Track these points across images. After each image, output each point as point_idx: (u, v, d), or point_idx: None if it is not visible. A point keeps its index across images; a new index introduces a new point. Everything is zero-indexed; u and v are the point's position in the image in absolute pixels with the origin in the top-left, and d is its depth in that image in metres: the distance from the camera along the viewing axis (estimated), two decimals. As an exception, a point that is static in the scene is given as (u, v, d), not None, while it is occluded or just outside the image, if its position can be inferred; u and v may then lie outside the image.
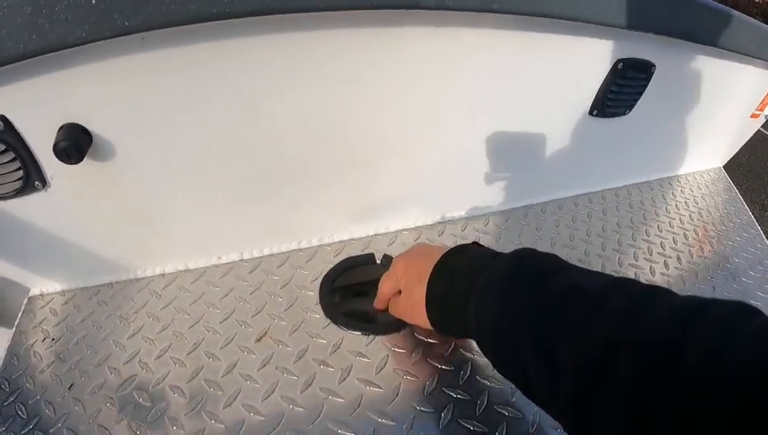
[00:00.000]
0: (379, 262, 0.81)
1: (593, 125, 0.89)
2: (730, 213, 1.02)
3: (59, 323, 0.73)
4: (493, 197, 0.94)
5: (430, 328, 0.61)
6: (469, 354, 0.66)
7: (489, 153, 0.87)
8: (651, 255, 0.87)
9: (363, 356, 0.66)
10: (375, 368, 0.65)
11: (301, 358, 0.66)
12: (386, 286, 0.67)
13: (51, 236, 0.72)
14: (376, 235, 0.88)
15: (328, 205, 0.83)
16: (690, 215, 0.98)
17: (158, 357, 0.67)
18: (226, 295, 0.76)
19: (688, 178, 1.10)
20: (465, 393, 0.62)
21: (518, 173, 0.93)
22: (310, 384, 0.63)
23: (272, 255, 0.83)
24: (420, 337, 0.68)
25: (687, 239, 0.92)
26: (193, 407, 0.61)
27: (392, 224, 0.89)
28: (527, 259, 0.52)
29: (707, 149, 1.12)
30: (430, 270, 0.59)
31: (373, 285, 0.70)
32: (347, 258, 0.82)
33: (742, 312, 0.36)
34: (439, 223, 0.91)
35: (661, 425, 0.34)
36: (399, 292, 0.65)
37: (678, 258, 0.87)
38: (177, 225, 0.77)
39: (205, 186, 0.73)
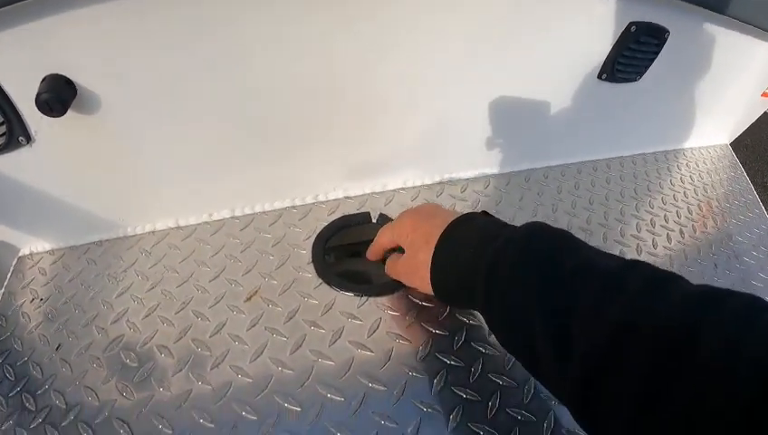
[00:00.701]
0: (375, 221, 0.78)
1: (601, 89, 0.83)
2: (735, 191, 0.97)
3: (47, 282, 0.71)
4: (494, 159, 0.89)
5: (428, 292, 0.58)
6: (464, 319, 0.64)
7: (491, 113, 0.81)
8: (654, 227, 0.83)
9: (355, 318, 0.64)
10: (367, 330, 0.62)
11: (291, 319, 0.63)
12: (385, 238, 0.63)
13: (39, 193, 0.69)
14: (372, 193, 0.84)
15: (323, 162, 0.79)
16: (695, 189, 0.94)
17: (146, 316, 0.65)
18: (217, 253, 0.73)
19: (694, 152, 1.05)
20: (458, 360, 0.59)
21: (521, 136, 0.87)
22: (300, 346, 0.60)
23: (264, 212, 0.80)
24: (415, 300, 0.65)
25: (691, 214, 0.88)
26: (180, 368, 0.59)
27: (389, 183, 0.85)
28: (538, 232, 0.49)
29: (715, 124, 1.06)
30: (439, 234, 0.55)
31: (368, 245, 0.68)
32: (342, 217, 0.78)
33: (757, 306, 0.34)
34: (438, 183, 0.87)
35: (665, 416, 0.32)
36: (393, 250, 0.63)
37: (681, 232, 0.84)
38: (168, 180, 0.74)
39: (195, 140, 0.70)
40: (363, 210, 0.79)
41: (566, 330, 0.40)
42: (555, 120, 0.86)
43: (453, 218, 0.55)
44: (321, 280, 0.68)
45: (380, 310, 0.65)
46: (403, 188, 0.85)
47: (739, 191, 0.97)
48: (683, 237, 0.83)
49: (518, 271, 0.45)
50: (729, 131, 1.10)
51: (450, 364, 0.59)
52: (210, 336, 0.62)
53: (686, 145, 1.06)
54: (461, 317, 0.64)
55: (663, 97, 0.91)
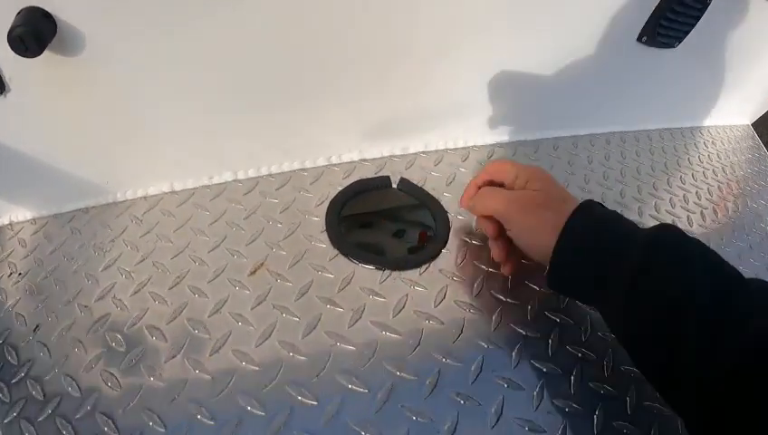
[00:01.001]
0: (395, 186, 0.68)
1: (639, 54, 0.77)
2: (760, 172, 0.92)
3: (27, 255, 0.61)
4: (521, 124, 0.81)
5: (522, 237, 0.50)
6: (500, 297, 0.55)
7: (520, 76, 0.74)
8: (687, 203, 0.77)
9: (378, 295, 0.54)
10: (392, 310, 0.53)
11: (303, 295, 0.54)
12: (501, 167, 0.56)
13: (17, 153, 0.59)
14: (391, 157, 0.74)
15: (337, 120, 0.70)
16: (723, 168, 0.88)
17: (135, 293, 0.55)
18: (217, 220, 0.63)
19: (718, 130, 0.99)
20: (497, 345, 0.51)
21: (551, 100, 0.80)
22: (314, 327, 0.51)
23: (271, 175, 0.70)
24: (445, 275, 0.57)
25: (721, 192, 0.82)
26: (173, 353, 0.49)
27: (410, 145, 0.76)
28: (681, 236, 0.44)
29: (739, 103, 1.01)
30: (576, 203, 0.48)
31: (381, 216, 0.58)
32: (359, 180, 0.69)
33: None
34: (463, 148, 0.78)
35: None
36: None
37: (714, 211, 0.77)
38: (163, 138, 0.64)
39: (194, 92, 0.60)
40: (382, 174, 0.70)
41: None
42: (590, 86, 0.80)
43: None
44: (336, 251, 0.59)
45: (406, 286, 0.55)
46: (425, 152, 0.76)
47: (765, 172, 0.93)
48: (716, 216, 0.77)
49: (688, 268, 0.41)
50: (750, 112, 1.06)
51: (488, 348, 0.50)
52: (209, 316, 0.52)
53: (711, 123, 1.01)
54: (497, 295, 0.55)
55: (692, 70, 0.86)
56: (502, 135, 0.81)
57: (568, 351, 0.51)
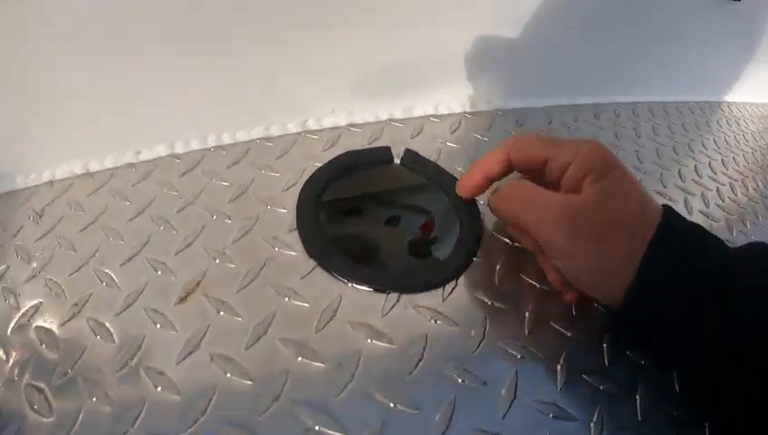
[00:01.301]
0: (398, 161, 0.49)
1: (701, 7, 0.69)
2: None
3: None
4: (556, 86, 0.68)
5: (564, 267, 0.34)
6: (564, 331, 0.37)
7: (560, 24, 0.61)
8: (748, 190, 0.64)
9: (380, 336, 0.34)
10: (405, 362, 0.33)
11: (260, 338, 0.34)
12: (535, 149, 0.37)
13: None
14: (390, 121, 0.56)
15: (317, 66, 0.52)
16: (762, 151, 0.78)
17: (17, 329, 0.36)
18: (139, 215, 0.43)
19: (756, 107, 0.89)
20: (568, 412, 0.32)
21: (595, 57, 0.68)
22: (277, 397, 0.31)
23: (221, 147, 0.50)
24: (482, 299, 0.38)
25: None
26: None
27: (415, 107, 0.58)
28: None
29: None
30: (652, 206, 0.34)
31: (373, 200, 0.46)
32: (348, 153, 0.49)
33: None
34: (486, 112, 0.61)
35: None
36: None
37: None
38: (75, 99, 0.46)
39: (116, 33, 0.44)
40: (379, 144, 0.51)
41: None
42: (640, 44, 0.70)
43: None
44: (313, 262, 0.39)
45: (424, 319, 0.36)
46: (435, 116, 0.58)
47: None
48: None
49: None
50: None
51: (554, 420, 0.32)
52: (116, 372, 0.33)
53: (747, 99, 0.90)
54: (558, 328, 0.37)
55: (742, 38, 0.80)
56: (533, 98, 0.65)
57: (661, 410, 0.34)
